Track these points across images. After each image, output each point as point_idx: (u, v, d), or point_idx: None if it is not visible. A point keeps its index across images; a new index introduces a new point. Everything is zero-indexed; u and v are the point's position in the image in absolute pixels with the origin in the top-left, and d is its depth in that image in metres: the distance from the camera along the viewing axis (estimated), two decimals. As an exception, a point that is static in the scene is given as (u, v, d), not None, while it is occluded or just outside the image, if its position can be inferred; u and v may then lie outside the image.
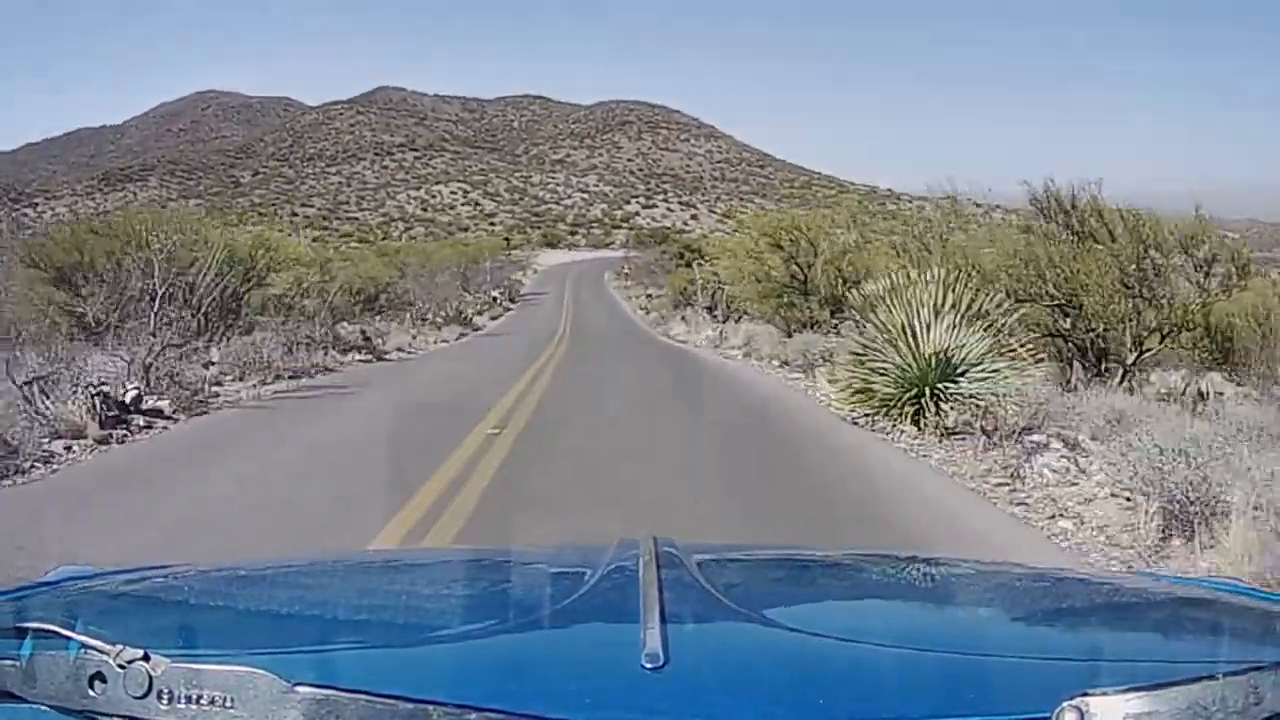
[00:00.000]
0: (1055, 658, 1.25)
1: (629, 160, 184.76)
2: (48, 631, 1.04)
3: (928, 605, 1.72)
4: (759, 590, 1.70)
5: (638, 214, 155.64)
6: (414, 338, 28.04)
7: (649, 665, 1.04)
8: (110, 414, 9.89)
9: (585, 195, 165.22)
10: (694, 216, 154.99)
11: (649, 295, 50.49)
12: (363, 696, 0.94)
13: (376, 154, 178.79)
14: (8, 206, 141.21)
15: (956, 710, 1.03)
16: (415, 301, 35.57)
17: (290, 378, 15.49)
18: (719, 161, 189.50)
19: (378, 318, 32.95)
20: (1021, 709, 0.98)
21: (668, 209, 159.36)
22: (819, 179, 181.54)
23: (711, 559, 1.66)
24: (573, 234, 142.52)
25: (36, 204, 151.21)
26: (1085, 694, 0.93)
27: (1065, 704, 0.93)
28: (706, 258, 38.60)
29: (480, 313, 43.80)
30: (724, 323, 31.51)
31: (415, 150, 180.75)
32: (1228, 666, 0.98)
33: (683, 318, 34.29)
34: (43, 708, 1.02)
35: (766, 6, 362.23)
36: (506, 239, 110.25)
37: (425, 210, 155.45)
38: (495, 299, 47.80)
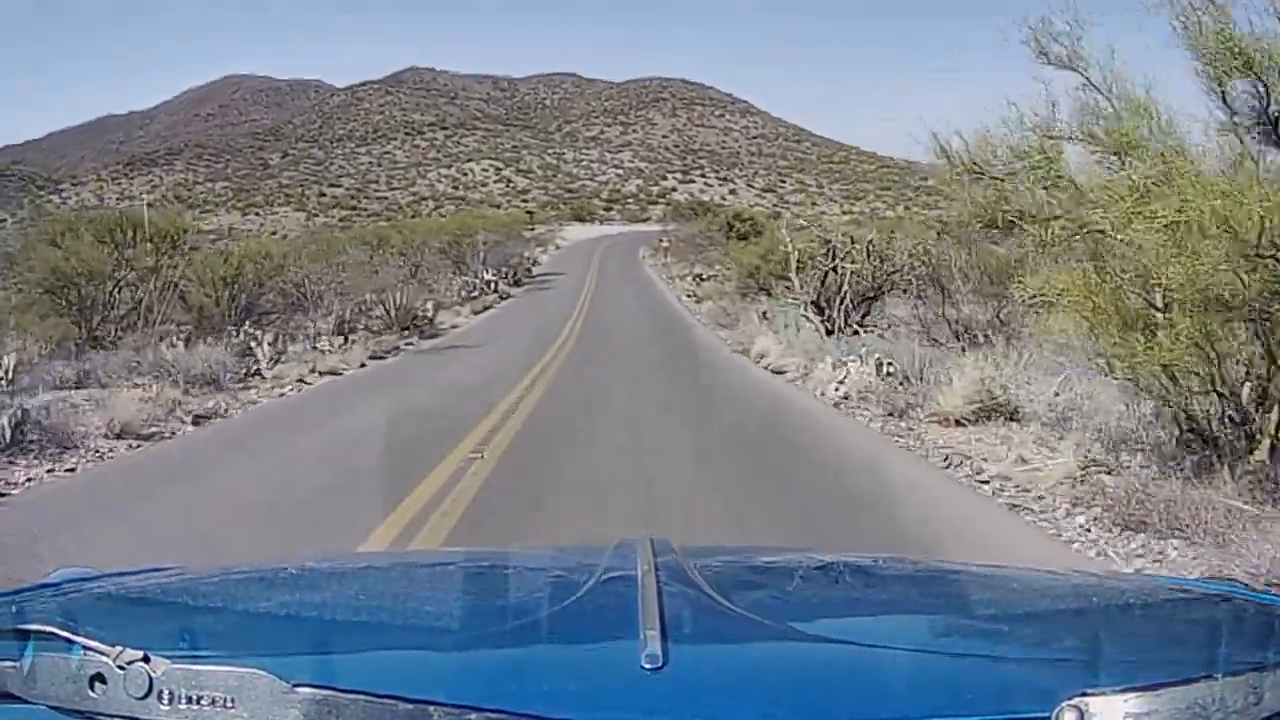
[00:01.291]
0: (1055, 658, 1.22)
1: (664, 136, 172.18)
2: (49, 633, 1.01)
3: (926, 606, 1.61)
4: (757, 592, 1.61)
5: (674, 189, 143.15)
6: (249, 377, 13.00)
7: (648, 666, 1.01)
8: None
9: (620, 171, 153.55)
10: (732, 191, 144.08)
11: (697, 277, 35.08)
12: (362, 697, 0.91)
13: (407, 133, 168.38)
14: (32, 193, 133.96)
15: (956, 710, 0.99)
16: (326, 296, 20.64)
17: None
18: (755, 137, 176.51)
19: (247, 326, 18.14)
20: (1021, 709, 0.95)
21: (705, 184, 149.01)
22: (857, 154, 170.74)
23: (710, 561, 1.60)
24: (607, 210, 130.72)
25: (63, 190, 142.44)
26: (1085, 694, 0.90)
27: (1065, 704, 0.90)
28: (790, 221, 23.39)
29: (465, 301, 28.87)
30: (848, 331, 16.29)
31: (446, 129, 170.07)
32: (1227, 667, 0.96)
33: (764, 316, 19.17)
34: (44, 709, 0.98)
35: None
36: (530, 212, 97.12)
37: (456, 188, 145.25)
38: (491, 283, 32.54)
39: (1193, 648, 1.32)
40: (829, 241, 17.01)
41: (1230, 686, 0.91)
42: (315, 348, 17.54)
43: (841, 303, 16.36)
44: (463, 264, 34.43)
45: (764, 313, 19.60)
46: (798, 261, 18.13)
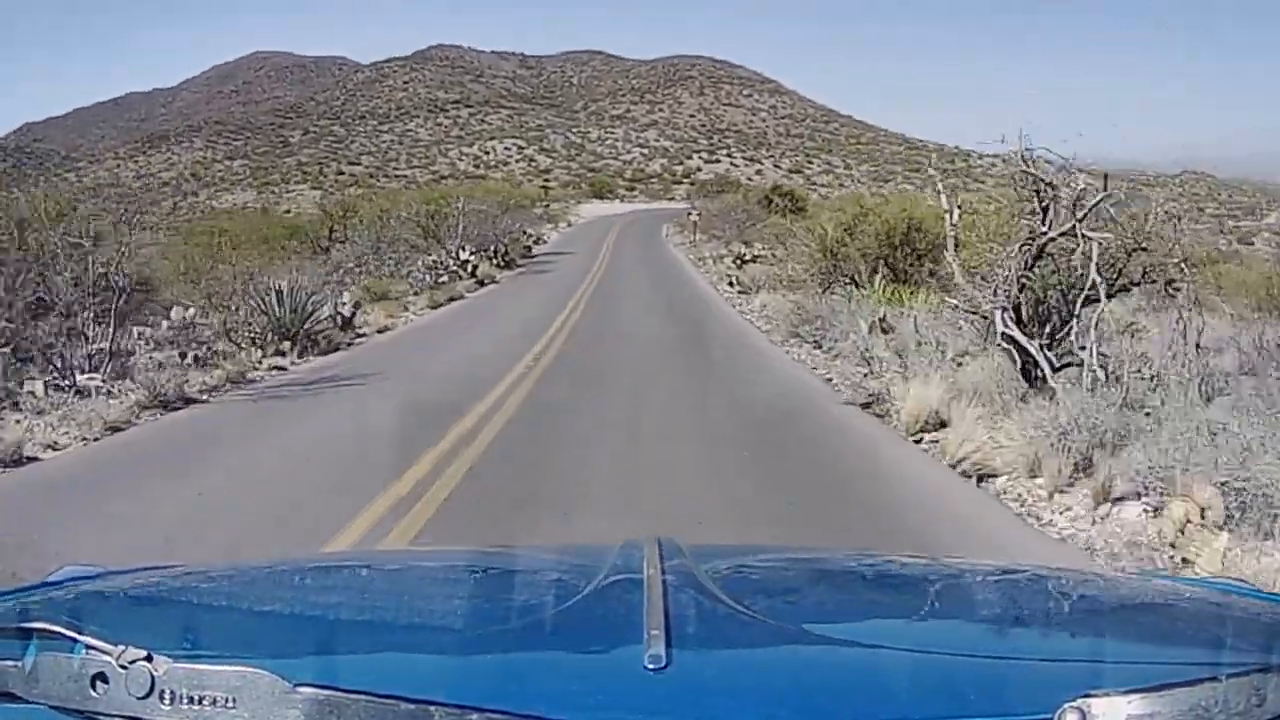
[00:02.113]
0: (1057, 659, 1.16)
1: (690, 116, 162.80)
2: (51, 632, 0.96)
3: (930, 607, 1.53)
4: (763, 592, 1.52)
5: (699, 169, 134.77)
6: None
7: (651, 667, 0.97)
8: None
9: (645, 150, 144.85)
10: (759, 172, 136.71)
11: (738, 259, 26.20)
12: (364, 697, 0.88)
13: (430, 111, 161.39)
14: (48, 171, 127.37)
15: (958, 712, 0.96)
16: (164, 288, 12.02)
17: None
18: (783, 117, 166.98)
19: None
20: (1023, 710, 0.91)
21: (731, 164, 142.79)
22: (886, 136, 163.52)
23: (716, 560, 1.53)
24: (630, 189, 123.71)
25: (80, 167, 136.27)
26: (1087, 695, 0.87)
27: (1067, 705, 0.87)
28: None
29: (427, 289, 20.25)
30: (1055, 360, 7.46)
31: (470, 107, 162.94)
32: (1230, 668, 0.91)
33: (881, 326, 10.53)
34: (45, 708, 0.94)
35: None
36: (545, 187, 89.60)
37: (478, 167, 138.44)
38: (466, 265, 23.79)
39: (1196, 648, 1.26)
40: (1045, 189, 8.14)
41: (1233, 688, 0.86)
42: (72, 388, 8.97)
43: (1082, 305, 7.56)
44: (439, 241, 25.72)
45: (880, 320, 10.84)
46: (956, 232, 9.32)
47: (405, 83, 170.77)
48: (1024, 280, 8.16)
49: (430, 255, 23.40)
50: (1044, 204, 8.21)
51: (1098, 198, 7.79)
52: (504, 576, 1.61)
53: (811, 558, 1.90)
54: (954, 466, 6.36)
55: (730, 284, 22.26)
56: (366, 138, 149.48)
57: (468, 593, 1.52)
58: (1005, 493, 5.95)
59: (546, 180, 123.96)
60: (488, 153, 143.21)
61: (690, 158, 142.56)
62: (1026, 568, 1.86)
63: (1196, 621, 1.40)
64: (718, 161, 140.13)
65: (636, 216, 56.30)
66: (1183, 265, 8.88)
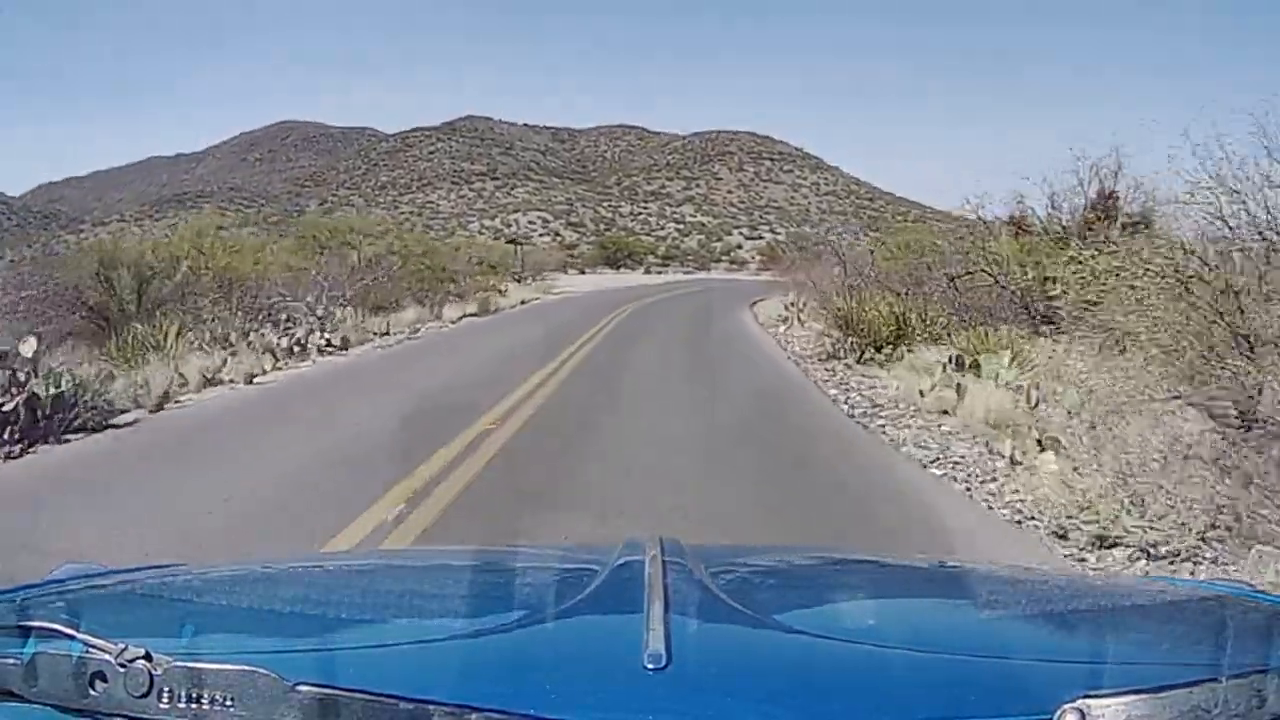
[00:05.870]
0: (1057, 660, 1.11)
1: (729, 192, 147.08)
2: (50, 630, 0.93)
3: (930, 607, 1.50)
4: (763, 591, 1.49)
5: (740, 246, 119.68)
6: None
7: (651, 666, 0.93)
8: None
9: (680, 226, 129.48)
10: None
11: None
12: (363, 696, 0.85)
13: (454, 182, 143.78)
14: (47, 232, 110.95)
15: (958, 712, 0.92)
16: None
17: None
18: (825, 194, 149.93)
19: None
20: (1023, 710, 0.88)
21: (775, 239, 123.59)
22: (933, 214, 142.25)
23: (717, 560, 1.50)
24: (664, 266, 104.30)
25: (81, 230, 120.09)
26: (1087, 696, 0.84)
27: (1066, 706, 0.83)
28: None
29: None
30: None
31: (497, 179, 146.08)
32: (1231, 669, 0.88)
33: None
34: (44, 707, 0.90)
35: (872, 38, 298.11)
36: (513, 241, 70.77)
37: (497, 239, 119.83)
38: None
39: (1196, 649, 1.22)
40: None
41: (1233, 689, 0.83)
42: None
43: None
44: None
45: None
46: None
47: (430, 153, 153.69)
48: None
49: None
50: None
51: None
52: (504, 575, 1.53)
53: (813, 557, 1.80)
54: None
55: None
56: (386, 208, 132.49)
57: (467, 592, 1.43)
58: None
59: (572, 255, 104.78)
60: (510, 225, 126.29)
61: (730, 234, 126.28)
62: (1027, 568, 1.77)
63: (1196, 623, 1.34)
64: (760, 238, 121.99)
65: (669, 295, 31.96)
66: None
